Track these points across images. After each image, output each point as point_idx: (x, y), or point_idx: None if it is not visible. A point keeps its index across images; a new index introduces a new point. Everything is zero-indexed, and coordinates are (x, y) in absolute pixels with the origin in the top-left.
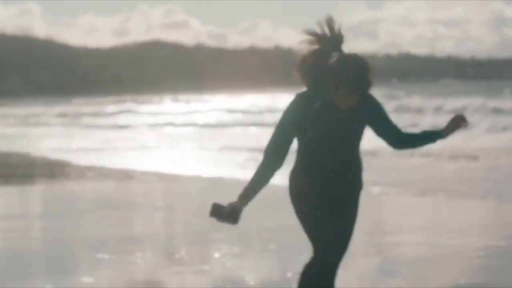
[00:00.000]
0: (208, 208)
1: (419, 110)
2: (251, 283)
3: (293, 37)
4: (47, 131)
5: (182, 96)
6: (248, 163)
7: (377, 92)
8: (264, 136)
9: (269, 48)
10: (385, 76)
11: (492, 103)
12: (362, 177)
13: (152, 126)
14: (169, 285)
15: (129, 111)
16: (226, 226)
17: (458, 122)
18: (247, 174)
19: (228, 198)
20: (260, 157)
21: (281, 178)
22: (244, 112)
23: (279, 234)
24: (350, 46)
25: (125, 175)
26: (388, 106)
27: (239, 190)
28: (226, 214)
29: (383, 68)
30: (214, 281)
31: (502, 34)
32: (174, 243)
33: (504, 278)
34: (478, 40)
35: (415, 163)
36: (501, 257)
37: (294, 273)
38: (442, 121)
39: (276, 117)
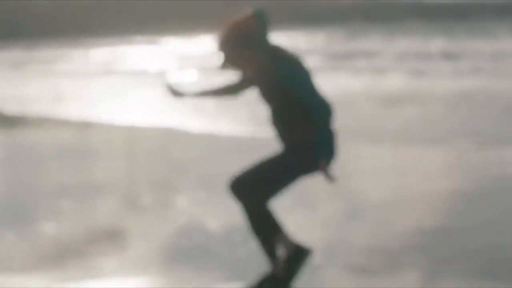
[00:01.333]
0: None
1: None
2: (215, 229)
3: None
4: None
5: (138, 39)
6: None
7: (340, 32)
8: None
9: None
10: (348, 17)
11: (449, 46)
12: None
13: (105, 72)
14: (132, 233)
15: (80, 56)
16: (189, 172)
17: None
18: (201, 123)
19: (184, 148)
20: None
21: (248, 128)
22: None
23: None
24: None
25: (82, 124)
26: (348, 48)
27: (195, 140)
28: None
29: (345, 9)
30: (178, 228)
31: None
32: (137, 190)
33: (468, 221)
34: None
35: (370, 110)
36: (465, 201)
37: None
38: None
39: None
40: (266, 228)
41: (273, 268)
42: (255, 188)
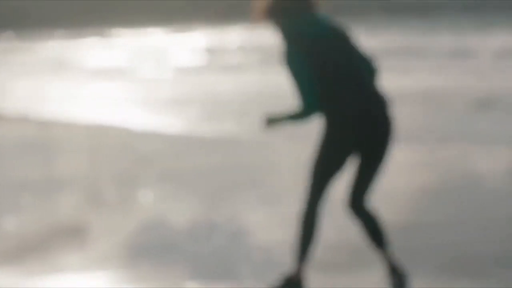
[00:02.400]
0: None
1: None
2: (179, 224)
3: None
4: None
5: (88, 31)
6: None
7: None
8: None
9: None
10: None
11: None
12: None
13: (57, 67)
14: (94, 228)
15: (30, 49)
16: (151, 168)
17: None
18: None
19: (145, 144)
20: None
21: (211, 127)
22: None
23: (211, 175)
24: None
25: (42, 122)
26: None
27: (153, 137)
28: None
29: None
30: (141, 223)
31: None
32: (99, 186)
33: (434, 217)
34: None
35: None
36: (431, 197)
37: (224, 213)
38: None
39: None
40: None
41: (294, 269)
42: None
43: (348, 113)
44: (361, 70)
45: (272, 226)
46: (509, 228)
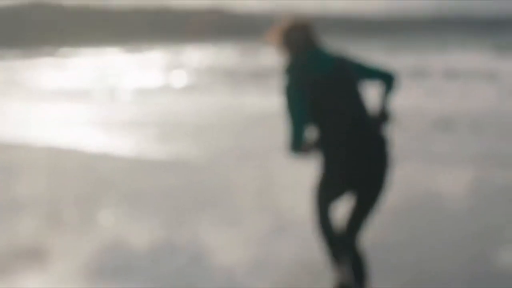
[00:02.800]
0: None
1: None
2: (139, 245)
3: None
4: None
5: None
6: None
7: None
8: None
9: (154, 10)
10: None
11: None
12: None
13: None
14: (55, 250)
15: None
16: (111, 190)
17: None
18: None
19: (105, 167)
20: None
21: (168, 148)
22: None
23: (169, 196)
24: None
25: (4, 144)
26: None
27: (115, 159)
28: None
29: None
30: (101, 244)
31: None
32: (59, 207)
33: (396, 236)
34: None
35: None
36: (393, 217)
37: (185, 234)
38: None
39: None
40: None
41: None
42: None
43: (341, 158)
44: (362, 115)
45: (233, 246)
46: (468, 247)
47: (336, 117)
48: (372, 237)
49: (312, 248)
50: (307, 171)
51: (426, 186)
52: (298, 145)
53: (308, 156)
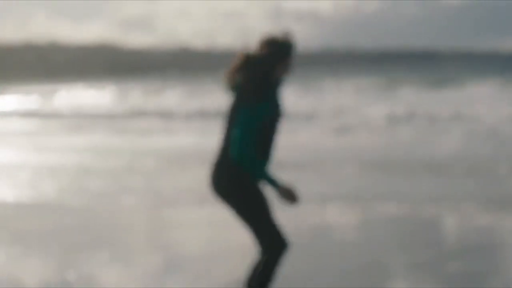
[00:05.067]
0: None
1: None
2: (31, 285)
3: (69, 32)
4: None
5: None
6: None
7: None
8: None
9: (44, 44)
10: (161, 70)
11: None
12: None
13: None
14: None
15: None
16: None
17: (290, 197)
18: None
19: None
20: None
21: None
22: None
23: (60, 234)
24: (129, 40)
25: None
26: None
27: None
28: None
29: (162, 62)
30: None
31: (281, 26)
32: None
33: (283, 273)
34: (257, 32)
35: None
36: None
37: (75, 274)
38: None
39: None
40: None
41: None
42: None
43: None
44: None
45: (127, 283)
46: (356, 280)
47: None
48: None
49: (204, 284)
50: (197, 210)
51: (317, 222)
52: (251, 153)
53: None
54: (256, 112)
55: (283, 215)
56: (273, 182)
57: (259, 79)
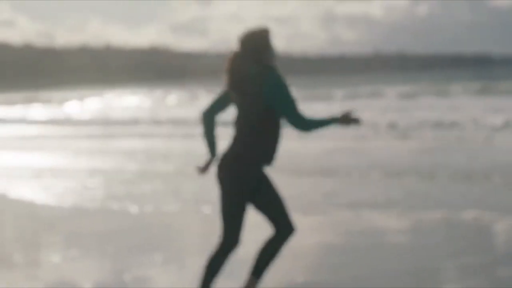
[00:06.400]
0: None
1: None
2: (86, 286)
3: (124, 36)
4: None
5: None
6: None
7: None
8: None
9: (100, 47)
10: (216, 74)
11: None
12: None
13: None
14: None
15: None
16: (59, 229)
17: (351, 120)
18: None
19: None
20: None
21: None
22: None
23: (115, 237)
24: (182, 43)
25: None
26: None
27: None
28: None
29: (214, 66)
30: (48, 286)
31: (333, 31)
32: (5, 248)
33: (339, 274)
34: (309, 37)
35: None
36: (335, 255)
37: (130, 275)
38: None
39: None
40: None
41: None
42: None
43: None
44: None
45: (178, 285)
46: (413, 282)
47: None
48: (313, 276)
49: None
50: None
51: (366, 227)
52: (305, 119)
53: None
54: (280, 87)
55: (332, 220)
56: (329, 122)
57: (254, 67)
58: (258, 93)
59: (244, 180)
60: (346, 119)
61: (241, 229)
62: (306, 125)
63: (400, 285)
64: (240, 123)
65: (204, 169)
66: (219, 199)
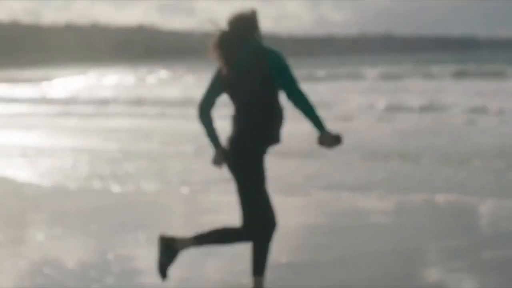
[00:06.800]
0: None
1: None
2: (70, 264)
3: (110, 14)
4: None
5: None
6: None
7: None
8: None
9: (86, 25)
10: (202, 53)
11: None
12: None
13: None
14: None
15: None
16: (42, 208)
17: (333, 142)
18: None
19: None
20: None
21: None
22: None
23: (99, 216)
24: (168, 23)
25: None
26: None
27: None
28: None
29: (201, 45)
30: (32, 264)
31: (319, 12)
32: None
33: (323, 254)
34: (296, 17)
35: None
36: (318, 235)
37: (114, 254)
38: None
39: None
40: None
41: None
42: None
43: None
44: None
45: None
46: (397, 262)
47: None
48: (298, 257)
49: (241, 267)
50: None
51: (350, 208)
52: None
53: None
54: (279, 62)
55: (315, 201)
56: (319, 121)
57: (251, 40)
58: (255, 65)
59: (248, 156)
60: (329, 139)
61: (270, 209)
62: (302, 96)
63: (383, 266)
64: (238, 107)
65: (219, 162)
66: (235, 187)
